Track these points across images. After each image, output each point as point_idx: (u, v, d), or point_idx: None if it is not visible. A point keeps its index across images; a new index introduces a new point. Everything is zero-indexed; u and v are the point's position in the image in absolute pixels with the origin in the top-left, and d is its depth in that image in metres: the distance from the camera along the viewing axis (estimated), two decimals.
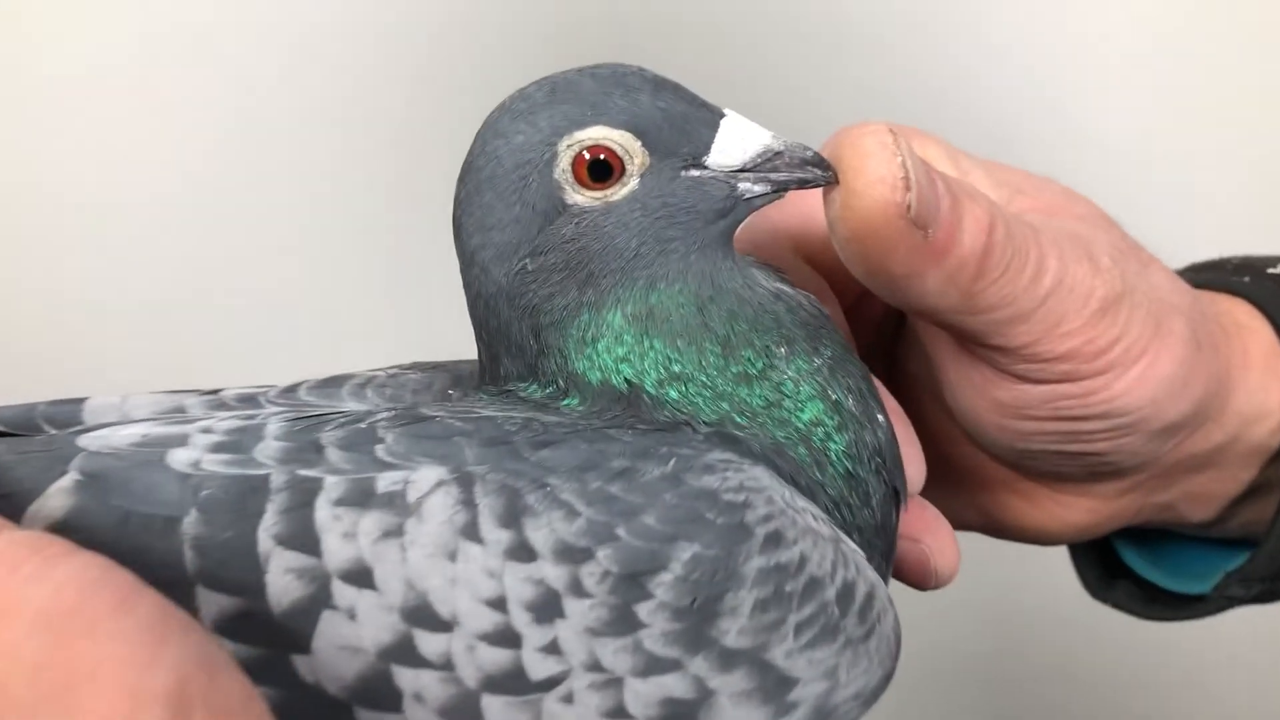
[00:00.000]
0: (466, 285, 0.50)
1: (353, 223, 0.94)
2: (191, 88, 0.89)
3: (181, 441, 0.45)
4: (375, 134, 0.93)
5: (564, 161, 0.48)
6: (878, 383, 0.52)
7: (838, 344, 0.50)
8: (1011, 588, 0.93)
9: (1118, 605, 0.62)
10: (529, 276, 0.48)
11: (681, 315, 0.48)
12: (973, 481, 0.58)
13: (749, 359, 0.48)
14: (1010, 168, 0.56)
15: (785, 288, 0.50)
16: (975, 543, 0.60)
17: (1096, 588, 0.63)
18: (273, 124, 0.91)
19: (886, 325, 0.60)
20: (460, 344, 0.53)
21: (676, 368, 0.48)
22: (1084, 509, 0.57)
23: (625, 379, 0.48)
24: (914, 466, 0.52)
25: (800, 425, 0.49)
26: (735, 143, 0.49)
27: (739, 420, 0.48)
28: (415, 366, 0.53)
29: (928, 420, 0.58)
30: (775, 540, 0.44)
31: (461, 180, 0.50)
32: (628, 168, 0.48)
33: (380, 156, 0.93)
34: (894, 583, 0.53)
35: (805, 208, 0.52)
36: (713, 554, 0.43)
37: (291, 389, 0.51)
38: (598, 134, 0.48)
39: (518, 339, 0.49)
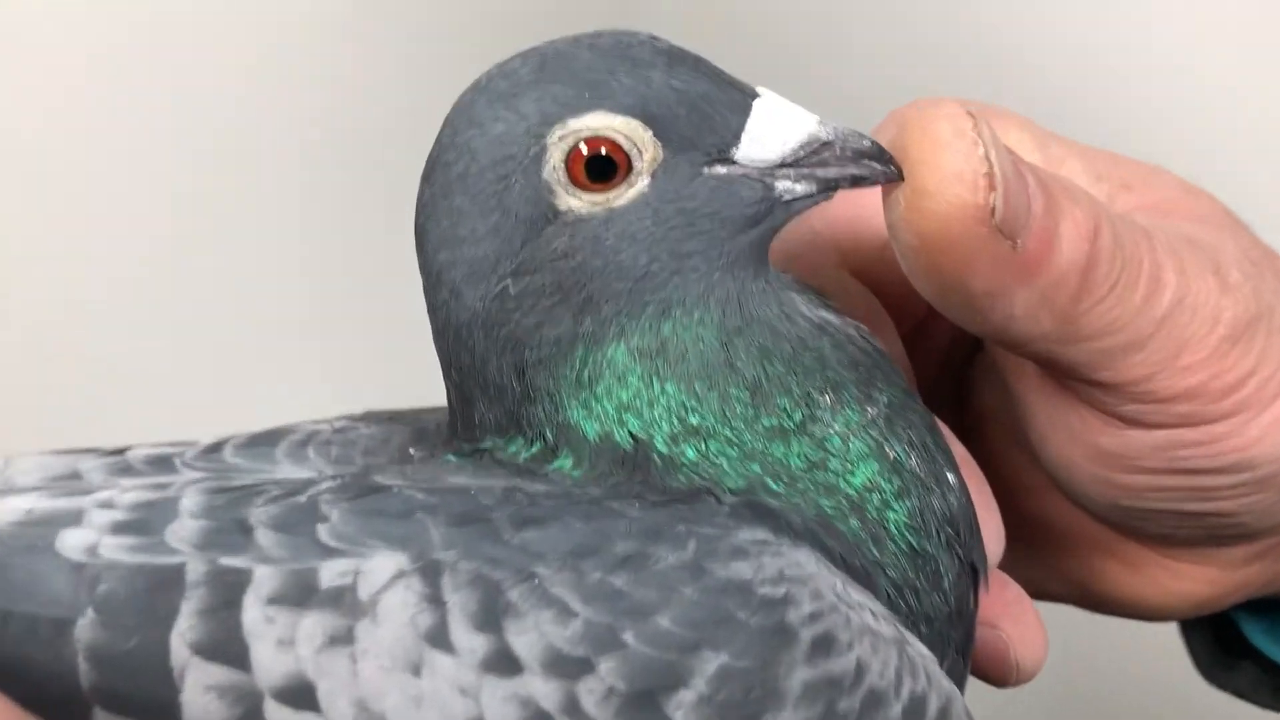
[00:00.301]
0: (432, 311, 0.43)
1: (289, 227, 0.83)
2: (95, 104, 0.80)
3: (75, 519, 0.41)
4: (324, 114, 0.82)
5: (555, 157, 0.41)
6: (946, 430, 0.45)
7: (896, 387, 0.44)
8: (1106, 673, 0.83)
9: (1239, 693, 0.55)
10: (511, 301, 0.42)
11: (701, 352, 0.42)
12: (1062, 544, 0.52)
13: (785, 409, 0.42)
14: (1114, 155, 0.49)
15: (831, 317, 0.44)
16: (1060, 615, 0.54)
17: (1213, 671, 0.56)
18: (195, 105, 0.82)
19: (955, 353, 0.52)
20: (425, 387, 0.48)
21: (695, 419, 0.42)
22: (1202, 579, 0.50)
23: (630, 433, 0.42)
24: (992, 534, 0.46)
25: (851, 491, 0.42)
26: (772, 130, 0.42)
27: (774, 487, 0.42)
28: (368, 417, 0.47)
29: (1005, 468, 0.51)
30: (825, 645, 0.39)
31: (426, 179, 0.43)
32: (635, 164, 0.41)
33: (328, 142, 0.82)
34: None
35: (853, 208, 0.46)
36: (746, 665, 0.38)
37: (214, 448, 0.45)
38: (598, 122, 0.41)
39: (496, 380, 0.42)
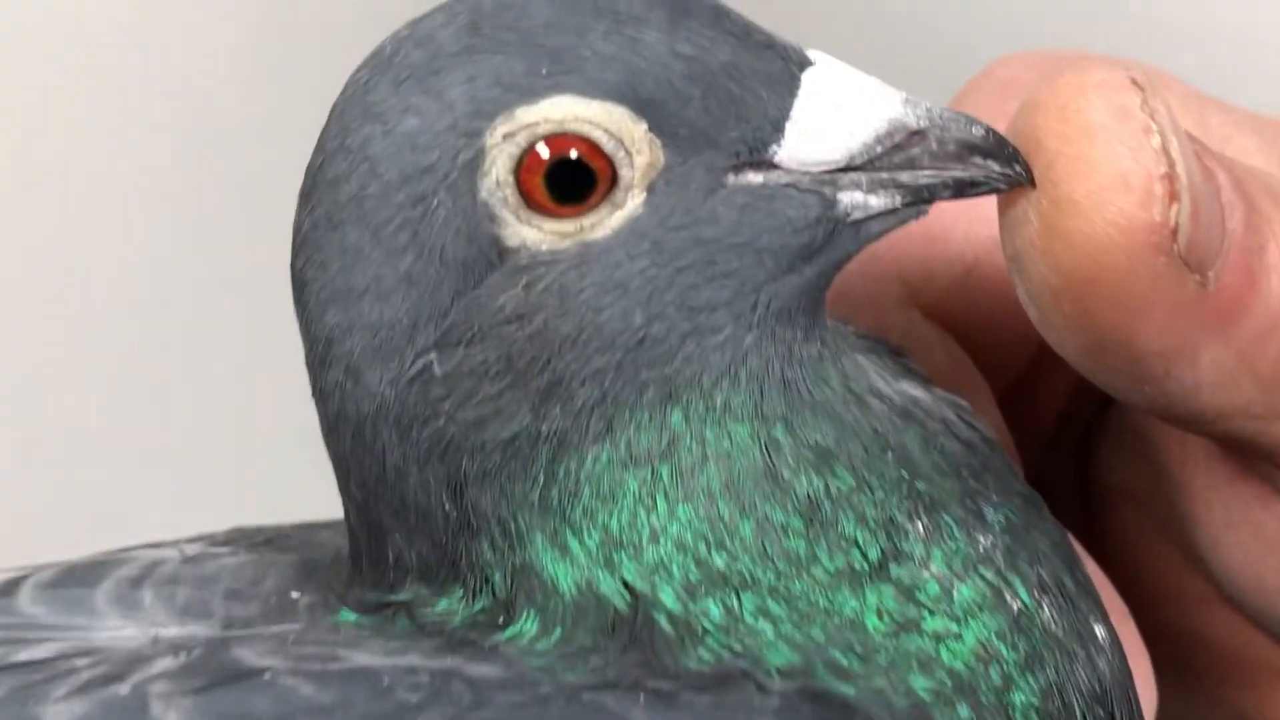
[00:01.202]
0: (319, 398, 0.36)
1: (129, 264, 0.75)
2: None
3: None
4: (174, 115, 0.76)
5: (499, 167, 0.33)
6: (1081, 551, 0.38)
7: (1016, 496, 0.36)
8: None
9: None
10: (437, 386, 0.34)
11: (729, 457, 0.34)
12: (1228, 671, 0.45)
13: (858, 542, 0.35)
14: None
15: (918, 392, 0.37)
16: None
17: None
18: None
19: (1072, 414, 0.45)
20: (322, 488, 0.39)
21: (720, 560, 0.34)
22: None
23: (624, 583, 0.34)
24: (1143, 686, 0.39)
25: (958, 664, 0.35)
26: (833, 117, 0.34)
27: (842, 662, 0.34)
28: (236, 539, 0.40)
29: (1146, 569, 0.44)
30: None
31: (305, 202, 0.35)
32: (622, 174, 0.33)
33: (183, 149, 0.76)
34: None
35: (926, 223, 0.37)
36: None
37: (8, 589, 0.37)
38: (563, 111, 0.33)
39: (419, 502, 0.35)
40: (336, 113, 0.34)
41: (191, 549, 0.39)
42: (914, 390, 0.37)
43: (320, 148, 0.35)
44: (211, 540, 0.40)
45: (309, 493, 0.44)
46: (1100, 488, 0.46)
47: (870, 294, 0.42)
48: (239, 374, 0.79)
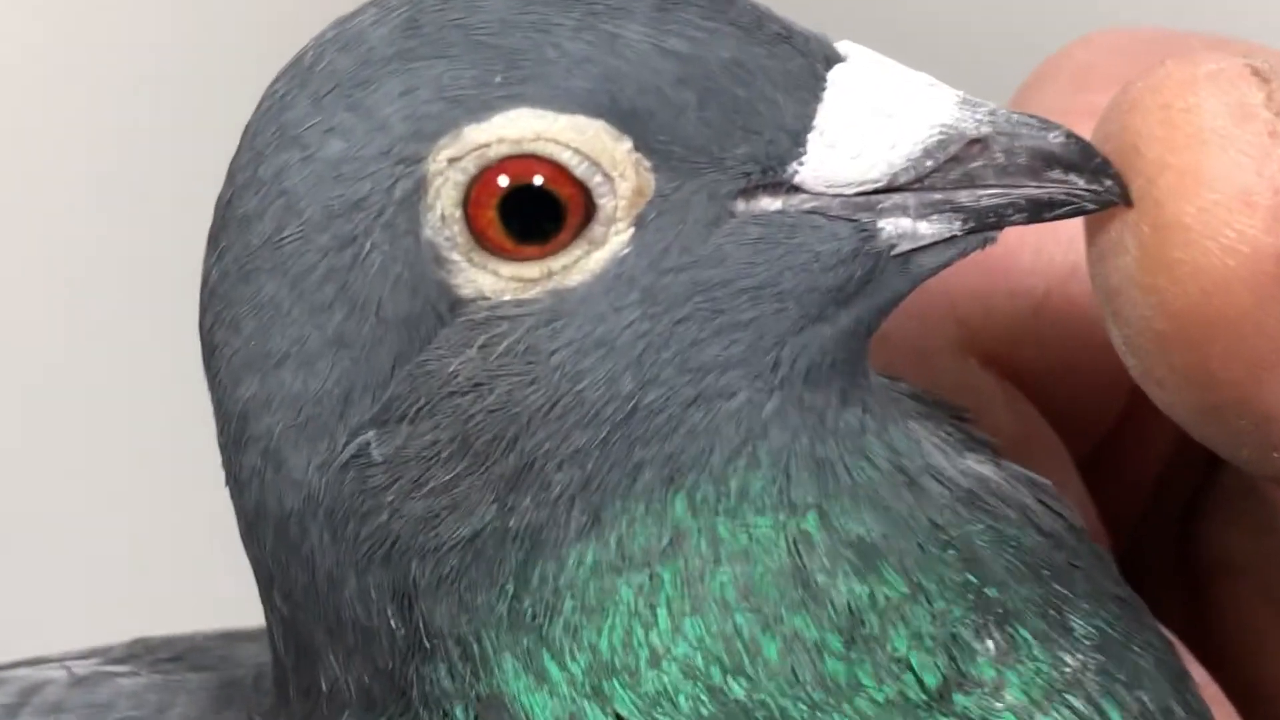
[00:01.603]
0: (234, 487, 0.33)
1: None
2: None
3: None
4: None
5: (445, 199, 0.31)
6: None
7: (1109, 599, 0.33)
8: None
9: None
10: (377, 474, 0.31)
11: (747, 557, 0.32)
12: None
13: (912, 664, 0.31)
14: None
15: (987, 469, 0.34)
16: None
17: None
18: None
19: (1174, 478, 0.42)
20: (245, 587, 0.35)
21: (739, 689, 0.31)
22: None
23: (616, 716, 0.31)
24: None
25: None
26: (869, 125, 0.31)
27: None
28: (139, 654, 0.37)
29: (1268, 656, 0.41)
30: None
31: (213, 245, 0.33)
32: (600, 204, 0.31)
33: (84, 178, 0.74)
34: None
35: (989, 253, 0.34)
36: None
37: None
38: (522, 128, 0.31)
39: (359, 617, 0.32)
40: (248, 135, 0.32)
41: (82, 667, 0.36)
42: (981, 468, 0.34)
43: (230, 179, 0.32)
44: (107, 656, 0.37)
45: (229, 592, 0.40)
46: (1208, 565, 0.42)
47: (915, 338, 0.39)
48: (143, 443, 0.77)
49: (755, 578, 0.31)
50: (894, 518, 0.32)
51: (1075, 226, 0.32)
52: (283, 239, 0.31)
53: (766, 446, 0.31)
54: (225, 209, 0.32)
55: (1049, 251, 0.37)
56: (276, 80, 0.31)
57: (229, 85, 0.60)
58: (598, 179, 0.30)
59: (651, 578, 0.31)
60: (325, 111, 0.31)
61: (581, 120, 0.30)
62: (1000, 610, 0.32)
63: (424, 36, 0.30)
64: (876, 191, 0.31)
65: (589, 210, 0.30)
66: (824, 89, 0.31)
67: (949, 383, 0.38)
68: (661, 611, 0.31)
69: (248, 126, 0.31)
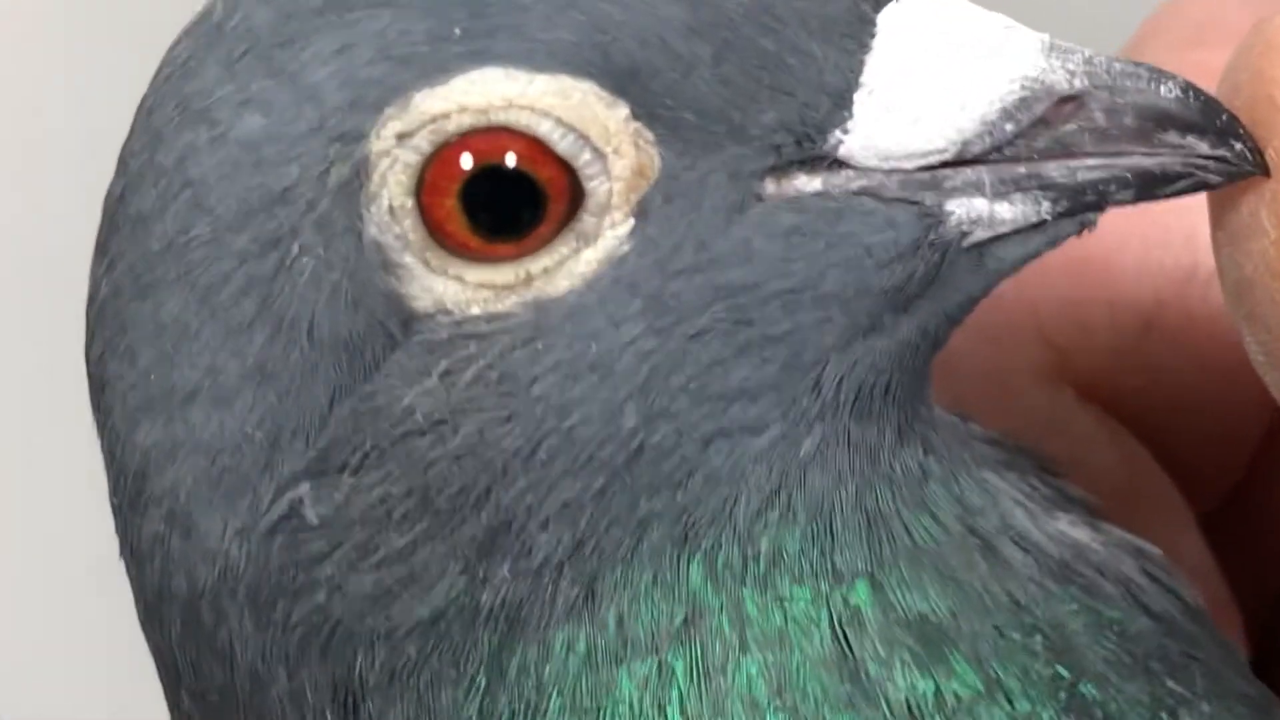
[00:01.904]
0: (131, 558, 0.29)
1: None
2: None
3: None
4: None
5: (392, 186, 0.27)
6: None
7: (1234, 697, 0.30)
8: None
9: None
10: (314, 539, 0.28)
11: (781, 640, 0.28)
12: None
13: None
14: None
15: (1082, 533, 0.30)
16: None
17: None
18: None
19: None
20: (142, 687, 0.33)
21: None
22: None
23: None
24: None
25: None
26: (933, 82, 0.27)
27: None
28: None
29: None
30: None
31: (101, 254, 0.29)
32: (590, 188, 0.27)
33: None
34: None
35: (1078, 246, 0.30)
36: None
37: None
38: (487, 92, 0.27)
39: (288, 714, 0.29)
40: (143, 112, 0.28)
41: None
42: (1076, 531, 0.30)
43: (120, 169, 0.29)
44: None
45: (125, 692, 0.38)
46: None
47: (989, 363, 0.36)
48: (13, 501, 0.72)
49: (791, 668, 0.28)
50: (965, 592, 0.29)
51: (1197, 210, 0.29)
52: (189, 242, 0.27)
53: (804, 496, 0.28)
54: (116, 206, 0.28)
55: (1161, 247, 0.34)
56: (178, 42, 0.28)
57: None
58: (586, 156, 0.26)
59: (660, 668, 0.28)
60: (240, 79, 0.27)
61: (565, 81, 0.26)
62: (1099, 713, 0.28)
63: None
64: (943, 165, 0.27)
65: (576, 197, 0.26)
66: (873, 35, 0.27)
67: (1034, 421, 0.35)
68: (673, 712, 0.27)
69: (143, 101, 0.28)
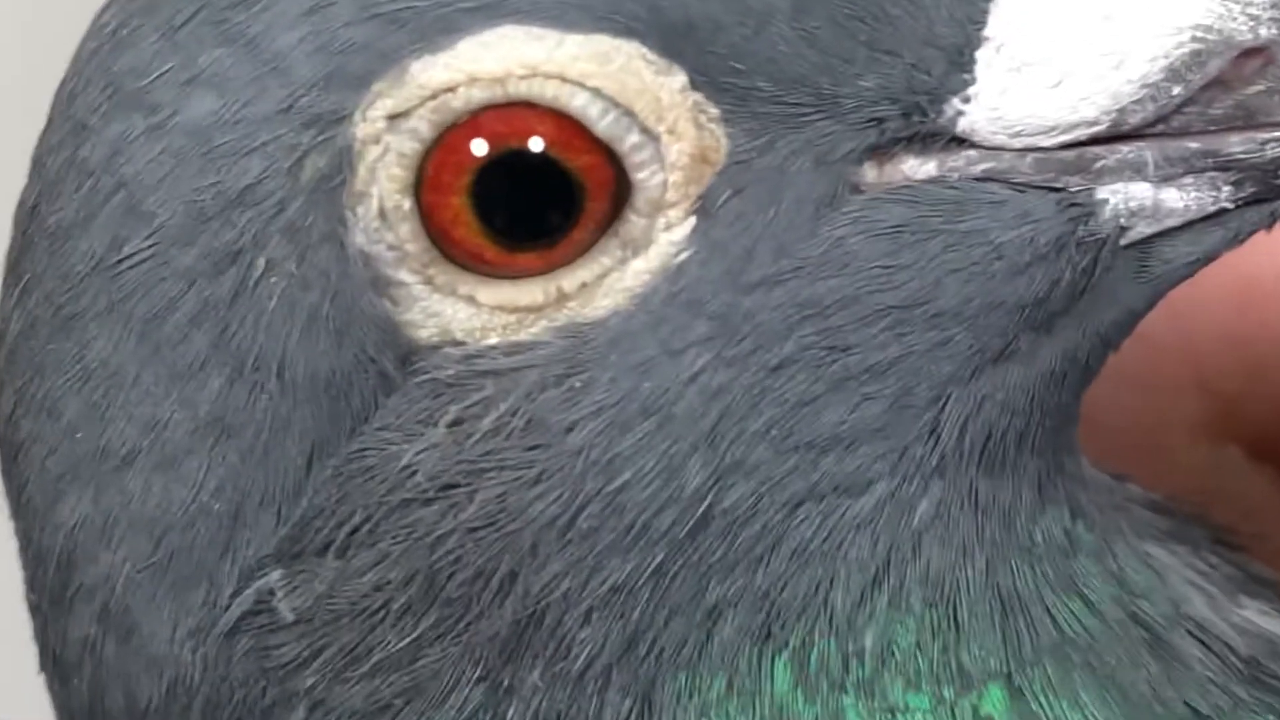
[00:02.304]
0: (53, 670, 0.26)
1: None
2: None
3: None
4: None
5: (384, 181, 0.23)
6: None
7: None
8: None
9: None
10: (287, 641, 0.24)
11: None
12: None
13: None
14: None
15: (1272, 623, 0.27)
16: None
17: None
18: None
19: None
20: None
21: None
22: None
23: None
24: None
25: None
26: (1077, 35, 0.23)
27: None
28: None
29: None
30: None
31: (13, 277, 0.25)
32: (638, 179, 0.23)
33: None
34: None
35: (1249, 261, 0.26)
36: None
37: None
38: (504, 57, 0.23)
39: None
40: (63, 96, 0.25)
41: None
42: (1267, 621, 0.27)
43: (35, 169, 0.25)
44: None
45: None
46: None
47: (1140, 414, 0.33)
48: None
49: None
50: (1130, 700, 0.25)
51: None
52: (122, 261, 0.24)
53: (920, 575, 0.25)
54: (29, 219, 0.25)
55: None
56: (106, 7, 0.24)
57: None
58: (633, 139, 0.23)
59: None
60: (185, 50, 0.23)
61: (604, 41, 0.23)
62: None
63: None
64: (1093, 141, 0.23)
65: (621, 191, 0.23)
66: None
67: (1194, 484, 0.31)
68: None
69: (62, 84, 0.25)
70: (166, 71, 0.24)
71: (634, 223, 0.23)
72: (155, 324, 0.24)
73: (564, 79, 0.23)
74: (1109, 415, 0.31)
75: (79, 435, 0.24)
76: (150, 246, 0.24)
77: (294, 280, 0.23)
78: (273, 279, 0.23)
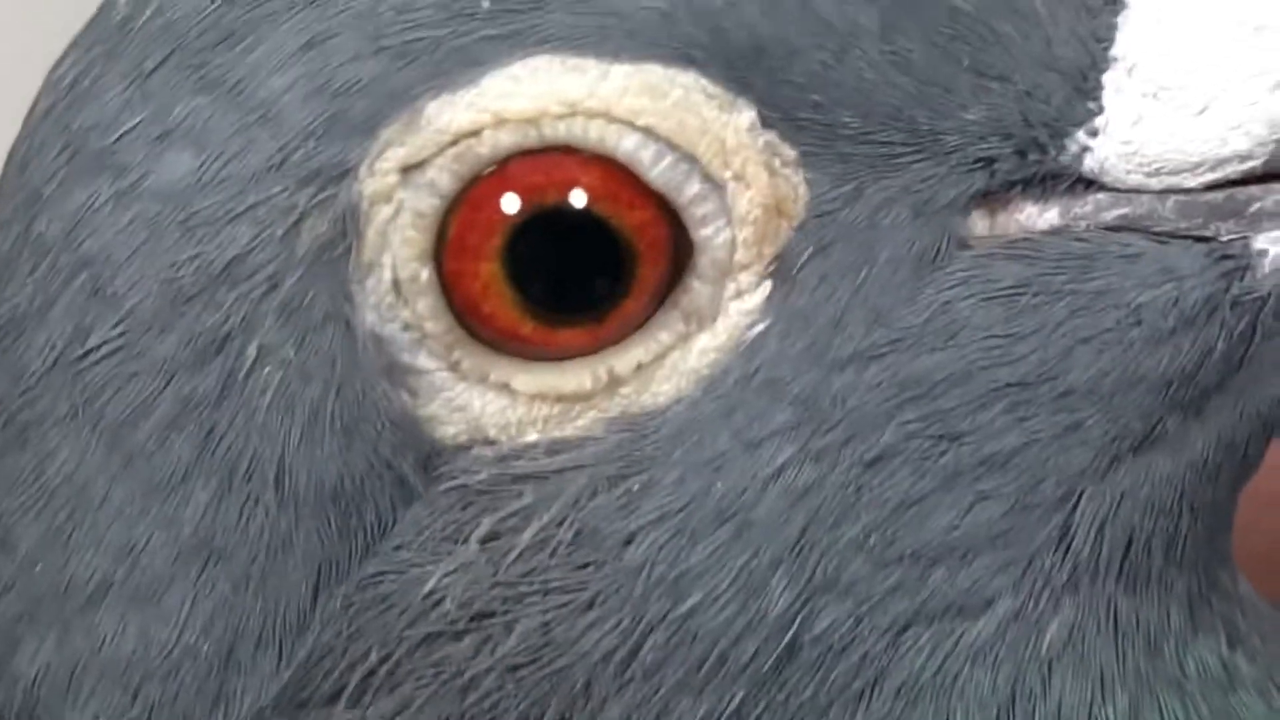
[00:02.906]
0: None
1: None
2: None
3: None
4: None
5: (398, 247, 0.20)
6: None
7: None
8: None
9: None
10: None
11: None
12: None
13: None
14: None
15: None
16: None
17: None
18: None
19: None
20: None
21: None
22: None
23: None
24: None
25: None
26: (1224, 52, 0.21)
27: None
28: None
29: None
30: None
31: None
32: (702, 240, 0.20)
33: None
34: None
35: None
36: None
37: None
38: (539, 94, 0.20)
39: None
40: (15, 162, 0.22)
41: None
42: None
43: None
44: None
45: None
46: None
47: None
48: None
49: None
50: None
51: None
52: (87, 355, 0.21)
53: (1050, 712, 0.22)
54: None
55: None
56: (64, 57, 0.21)
57: None
58: (694, 188, 0.20)
59: None
60: (156, 99, 0.20)
61: (655, 72, 0.20)
62: None
63: None
64: (1247, 180, 0.20)
65: (681, 252, 0.20)
66: None
67: None
68: None
69: (14, 148, 0.22)
70: (136, 126, 0.21)
71: (698, 290, 0.20)
72: (128, 429, 0.21)
73: (609, 118, 0.20)
74: (1248, 539, 0.28)
75: (38, 568, 0.22)
76: (120, 336, 0.21)
77: (292, 370, 0.21)
78: (266, 369, 0.21)
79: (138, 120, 0.21)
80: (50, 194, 0.21)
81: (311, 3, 0.21)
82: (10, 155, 0.23)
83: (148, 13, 0.21)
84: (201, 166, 0.20)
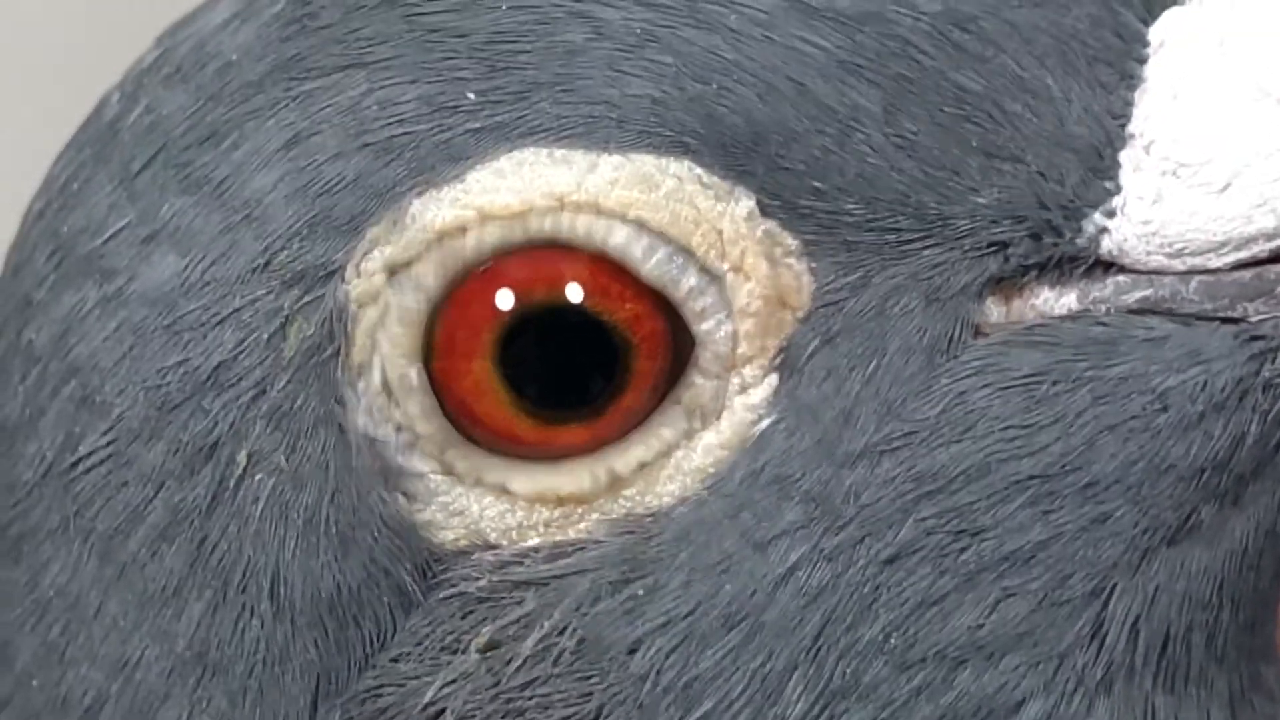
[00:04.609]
0: None
1: None
2: None
3: None
4: None
5: (388, 348, 0.21)
6: None
7: None
8: None
9: None
10: None
11: None
12: None
13: None
14: None
15: None
16: None
17: None
18: None
19: None
20: None
21: None
22: None
23: None
24: None
25: None
26: (1247, 123, 0.20)
27: None
28: None
29: None
30: None
31: None
32: (702, 334, 0.20)
33: None
34: None
35: None
36: None
37: None
38: (528, 190, 0.20)
39: None
40: (9, 266, 0.22)
41: None
42: None
43: None
44: None
45: None
46: None
47: None
48: None
49: None
50: None
51: None
52: (77, 465, 0.21)
53: None
54: None
55: None
56: (60, 156, 0.21)
57: None
58: (690, 281, 0.20)
59: None
60: (144, 200, 0.20)
61: (647, 162, 0.20)
62: None
63: (325, 33, 0.20)
64: (1275, 258, 0.20)
65: (681, 346, 0.20)
66: (1144, 58, 0.20)
67: None
68: None
69: (11, 248, 0.22)
70: (123, 229, 0.21)
71: (700, 386, 0.20)
72: (119, 540, 0.21)
73: (598, 211, 0.20)
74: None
75: (35, 682, 0.22)
76: (109, 445, 0.21)
77: (284, 477, 0.21)
78: (258, 477, 0.21)
79: (125, 222, 0.21)
80: (39, 299, 0.22)
81: (295, 99, 0.20)
82: (7, 258, 0.23)
83: (136, 111, 0.21)
84: (186, 269, 0.21)
